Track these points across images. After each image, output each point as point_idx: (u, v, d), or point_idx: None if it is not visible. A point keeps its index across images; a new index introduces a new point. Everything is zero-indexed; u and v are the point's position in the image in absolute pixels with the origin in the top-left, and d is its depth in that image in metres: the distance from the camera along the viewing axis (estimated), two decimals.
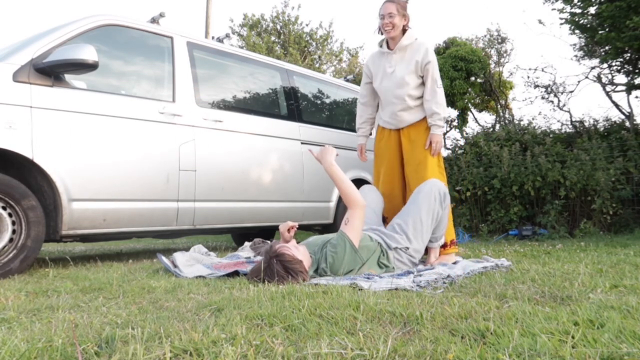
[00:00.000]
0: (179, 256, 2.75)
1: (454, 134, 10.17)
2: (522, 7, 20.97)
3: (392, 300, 1.53)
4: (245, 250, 3.34)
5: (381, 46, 3.06)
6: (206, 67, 3.65)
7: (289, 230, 2.45)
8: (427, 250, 2.76)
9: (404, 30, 2.96)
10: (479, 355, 0.99)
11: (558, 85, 8.52)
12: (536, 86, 8.80)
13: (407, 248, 2.44)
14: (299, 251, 2.15)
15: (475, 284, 1.91)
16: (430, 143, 2.91)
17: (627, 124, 6.55)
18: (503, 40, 9.90)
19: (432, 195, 2.56)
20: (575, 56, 7.62)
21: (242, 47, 13.81)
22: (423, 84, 2.96)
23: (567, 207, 5.34)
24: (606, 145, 5.64)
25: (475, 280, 2.03)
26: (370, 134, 3.32)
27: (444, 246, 2.83)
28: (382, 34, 3.00)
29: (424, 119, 2.99)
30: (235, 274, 2.29)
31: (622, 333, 1.11)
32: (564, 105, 8.47)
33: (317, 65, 15.16)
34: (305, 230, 4.84)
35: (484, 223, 5.65)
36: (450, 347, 1.05)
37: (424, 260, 2.79)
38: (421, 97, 2.97)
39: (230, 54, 3.89)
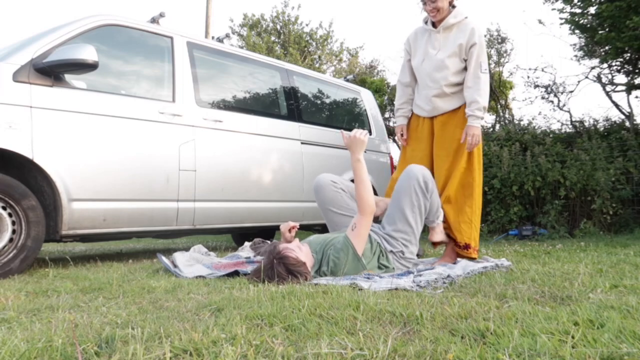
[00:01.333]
0: (179, 256, 2.75)
1: None
2: (522, 7, 20.98)
3: (392, 300, 1.53)
4: (245, 250, 3.34)
5: (426, 22, 2.80)
6: (206, 67, 3.65)
7: (290, 230, 2.45)
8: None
9: (452, 5, 2.70)
10: (479, 355, 0.99)
11: (558, 85, 8.53)
12: (536, 86, 8.80)
13: (403, 252, 2.43)
14: (302, 252, 2.15)
15: (475, 284, 1.91)
16: (466, 136, 2.65)
17: (627, 124, 6.56)
18: (503, 40, 9.90)
19: (412, 190, 2.40)
20: (575, 56, 7.63)
21: (242, 47, 13.81)
22: (466, 68, 2.69)
23: (567, 207, 5.34)
24: (606, 145, 5.64)
25: (475, 280, 2.03)
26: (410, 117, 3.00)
27: (465, 247, 2.71)
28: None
29: (461, 107, 2.73)
30: (235, 274, 2.29)
31: (622, 333, 1.11)
32: (564, 105, 8.47)
33: (317, 65, 15.16)
34: (305, 230, 4.85)
35: (484, 223, 5.65)
36: (450, 347, 1.05)
37: (424, 260, 2.79)
38: (460, 84, 2.71)
39: (230, 54, 3.89)
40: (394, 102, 3.09)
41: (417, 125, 2.92)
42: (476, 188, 2.74)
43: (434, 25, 2.77)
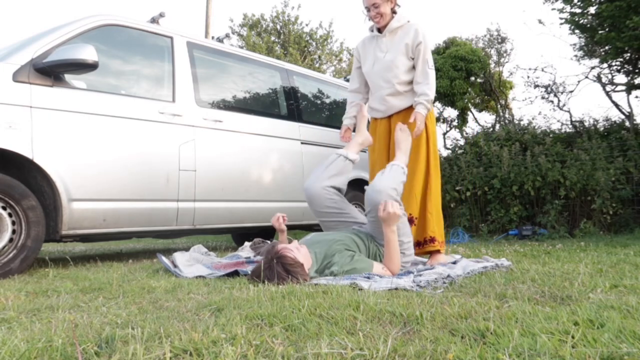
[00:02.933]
0: (179, 256, 2.75)
1: (454, 134, 10.18)
2: (522, 7, 20.98)
3: (392, 300, 1.53)
4: (245, 250, 3.34)
5: (372, 30, 2.95)
6: (206, 67, 3.65)
7: (278, 220, 2.58)
8: None
9: (393, 12, 2.85)
10: (479, 355, 0.99)
11: (558, 85, 8.53)
12: (536, 86, 8.80)
13: (404, 253, 2.43)
14: (301, 253, 2.15)
15: (475, 284, 1.91)
16: (415, 120, 2.72)
17: (627, 123, 6.55)
18: (503, 40, 9.91)
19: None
20: (575, 56, 7.62)
21: (242, 47, 13.81)
22: (414, 67, 2.83)
23: (567, 207, 5.34)
24: (606, 145, 5.64)
25: (475, 280, 2.03)
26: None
27: (431, 241, 2.75)
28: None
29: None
30: (235, 274, 2.29)
31: (622, 333, 1.11)
32: (564, 105, 8.48)
33: (317, 65, 15.17)
34: (306, 230, 4.84)
35: (484, 223, 5.65)
36: (450, 347, 1.05)
37: (424, 260, 2.79)
38: (411, 82, 2.84)
39: (230, 54, 3.89)
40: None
41: (376, 127, 3.01)
42: (434, 181, 2.81)
43: (379, 31, 2.90)
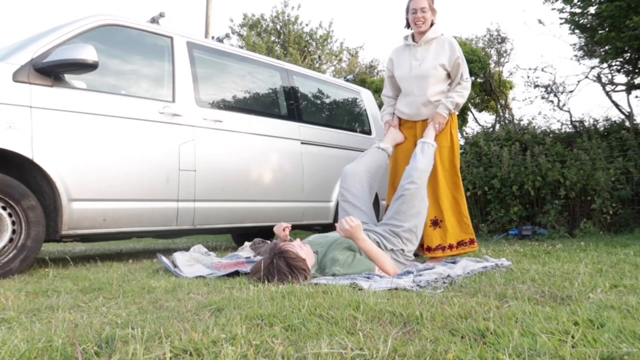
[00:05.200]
0: (179, 256, 2.75)
1: None
2: (522, 7, 20.98)
3: (392, 300, 1.53)
4: (245, 250, 3.34)
5: (406, 39, 3.08)
6: (206, 66, 3.65)
7: (284, 230, 2.56)
8: None
9: (431, 24, 3.00)
10: (479, 355, 0.99)
11: (558, 85, 8.52)
12: (536, 86, 8.79)
13: (403, 250, 2.45)
14: (303, 250, 2.16)
15: (475, 284, 1.92)
16: (434, 122, 2.92)
17: (627, 123, 6.55)
18: (503, 40, 9.90)
19: (425, 196, 2.58)
20: (575, 56, 7.62)
21: (242, 47, 13.81)
22: (447, 77, 2.98)
23: (567, 207, 5.33)
24: (606, 145, 5.64)
25: (475, 280, 2.03)
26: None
27: (463, 244, 2.87)
28: (408, 27, 3.04)
29: None
30: (235, 274, 2.30)
31: (622, 333, 1.11)
32: (563, 105, 8.46)
33: (317, 65, 15.17)
34: (306, 230, 4.85)
35: (484, 223, 5.65)
36: (450, 347, 1.05)
37: (424, 260, 2.79)
38: (442, 92, 2.98)
39: (230, 54, 3.89)
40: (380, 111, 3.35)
41: (403, 127, 3.13)
42: (461, 184, 2.97)
43: (413, 39, 3.04)
